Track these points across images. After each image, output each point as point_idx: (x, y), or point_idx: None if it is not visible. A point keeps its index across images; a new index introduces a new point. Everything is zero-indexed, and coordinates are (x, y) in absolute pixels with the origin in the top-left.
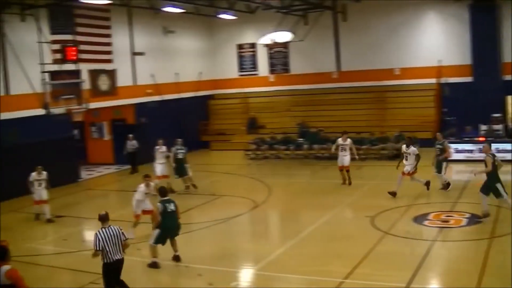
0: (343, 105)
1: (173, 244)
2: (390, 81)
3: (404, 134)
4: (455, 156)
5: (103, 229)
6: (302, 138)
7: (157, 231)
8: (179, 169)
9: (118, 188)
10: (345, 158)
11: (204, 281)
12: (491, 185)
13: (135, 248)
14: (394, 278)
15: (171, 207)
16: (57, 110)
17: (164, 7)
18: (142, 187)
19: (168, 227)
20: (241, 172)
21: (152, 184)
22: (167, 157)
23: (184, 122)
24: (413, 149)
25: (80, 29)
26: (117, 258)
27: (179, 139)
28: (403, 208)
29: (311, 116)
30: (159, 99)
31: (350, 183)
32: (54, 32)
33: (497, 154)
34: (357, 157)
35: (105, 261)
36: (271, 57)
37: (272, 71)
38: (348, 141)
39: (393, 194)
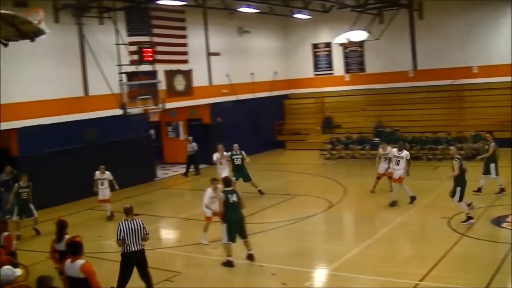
0: (419, 104)
1: (246, 243)
2: (468, 80)
3: (480, 134)
4: None
5: (126, 221)
6: (378, 138)
7: (224, 227)
8: (240, 175)
9: (193, 187)
10: (396, 172)
11: (278, 281)
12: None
13: (210, 247)
14: (471, 281)
15: (234, 198)
16: (134, 110)
17: (239, 7)
18: (209, 191)
19: (230, 218)
20: (316, 172)
21: (219, 187)
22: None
23: (259, 122)
24: (406, 153)
25: (156, 31)
26: (134, 249)
27: (236, 145)
28: (481, 210)
29: (386, 116)
30: (235, 99)
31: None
32: (131, 34)
33: None
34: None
35: (123, 250)
36: (346, 56)
37: (347, 70)
38: (388, 149)
39: (393, 204)
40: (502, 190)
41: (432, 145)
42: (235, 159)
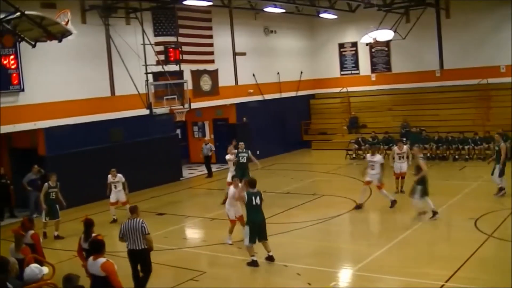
0: (446, 104)
1: (265, 245)
2: (495, 79)
3: (507, 133)
4: None
5: (129, 220)
6: (404, 138)
7: (246, 229)
8: (244, 173)
9: (219, 187)
10: (402, 166)
11: (303, 281)
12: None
13: (235, 247)
14: (497, 283)
15: (257, 200)
16: (160, 110)
17: (265, 7)
18: (230, 191)
19: (252, 220)
20: (342, 172)
21: (239, 185)
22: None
23: (285, 122)
24: (379, 157)
25: (182, 31)
26: (132, 248)
27: (242, 143)
28: (507, 211)
29: (413, 116)
30: (261, 98)
31: (402, 191)
32: (157, 34)
33: None
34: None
35: (127, 248)
36: (372, 56)
37: (373, 70)
38: (405, 148)
39: (359, 206)
40: (501, 189)
41: (458, 144)
42: (241, 157)
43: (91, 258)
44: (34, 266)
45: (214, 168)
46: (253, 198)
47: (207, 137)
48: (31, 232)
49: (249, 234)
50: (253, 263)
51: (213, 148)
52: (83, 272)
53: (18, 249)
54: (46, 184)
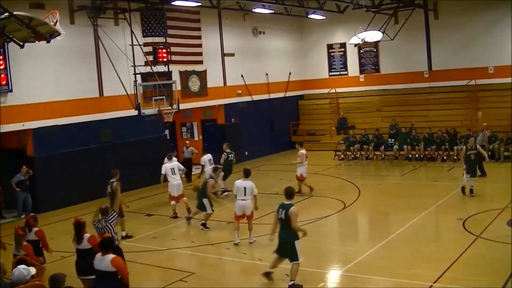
0: (435, 105)
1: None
2: (484, 80)
3: (497, 134)
4: None
5: (97, 221)
6: (393, 139)
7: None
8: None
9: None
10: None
11: None
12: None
13: (224, 248)
14: (485, 284)
15: (282, 214)
16: (149, 111)
17: (254, 8)
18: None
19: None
20: (331, 172)
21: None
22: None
23: (274, 123)
24: (301, 152)
25: (171, 32)
26: None
27: (227, 143)
28: (496, 211)
29: (402, 116)
30: (249, 99)
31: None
32: (146, 35)
33: None
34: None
35: None
36: (361, 56)
37: (362, 71)
38: (300, 152)
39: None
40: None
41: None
42: (230, 156)
43: (98, 255)
44: (22, 268)
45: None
46: (280, 210)
47: (196, 138)
48: (35, 229)
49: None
50: (266, 275)
51: (195, 151)
52: (71, 271)
53: (19, 248)
54: None
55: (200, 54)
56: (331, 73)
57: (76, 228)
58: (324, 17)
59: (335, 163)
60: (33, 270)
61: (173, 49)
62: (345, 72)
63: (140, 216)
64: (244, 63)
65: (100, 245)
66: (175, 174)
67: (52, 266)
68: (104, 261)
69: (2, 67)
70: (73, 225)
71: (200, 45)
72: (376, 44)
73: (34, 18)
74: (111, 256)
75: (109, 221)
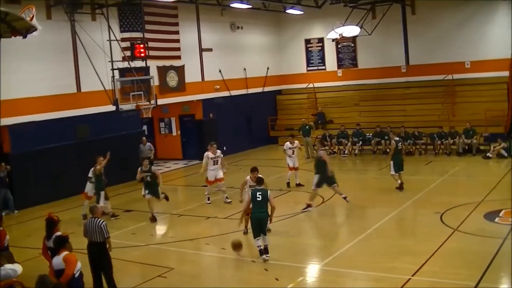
0: (412, 99)
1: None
2: (461, 75)
3: (475, 128)
4: None
5: (91, 219)
6: (370, 133)
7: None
8: None
9: (187, 183)
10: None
11: (271, 276)
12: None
13: (203, 243)
14: (463, 277)
15: (259, 197)
16: (127, 106)
17: (232, 3)
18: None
19: (254, 216)
20: (309, 167)
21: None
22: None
23: (252, 118)
24: (219, 152)
25: (148, 27)
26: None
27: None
28: (473, 205)
29: (379, 111)
30: (227, 94)
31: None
32: (123, 30)
33: None
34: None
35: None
36: (339, 51)
37: (340, 65)
38: (296, 143)
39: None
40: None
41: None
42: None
43: (56, 255)
44: (9, 268)
45: (181, 164)
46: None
47: (174, 133)
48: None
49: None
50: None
51: (153, 148)
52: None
53: None
54: None
55: (178, 49)
56: (309, 68)
57: (47, 224)
58: (302, 12)
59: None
60: (19, 269)
61: (150, 44)
62: (323, 67)
63: (119, 212)
64: (222, 58)
65: (54, 245)
66: None
67: (29, 263)
68: (58, 260)
69: None
70: (45, 221)
71: (178, 40)
72: (353, 39)
73: (9, 13)
74: (64, 253)
75: (102, 223)
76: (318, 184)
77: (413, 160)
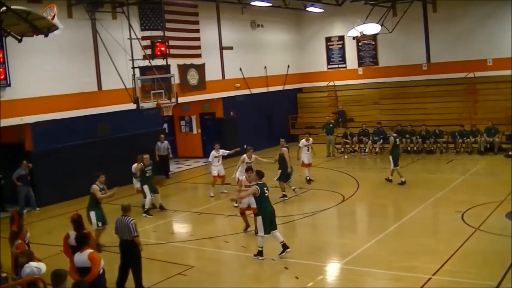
0: (433, 97)
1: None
2: (482, 72)
3: (497, 127)
4: None
5: (121, 217)
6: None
7: (259, 220)
8: None
9: (207, 181)
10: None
11: (291, 275)
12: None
13: (222, 242)
14: (484, 276)
15: (267, 192)
16: (147, 104)
17: (252, 1)
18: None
19: (266, 211)
20: (330, 165)
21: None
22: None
23: (272, 116)
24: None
25: (169, 25)
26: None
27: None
28: (494, 204)
29: (400, 109)
30: (248, 93)
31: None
32: (144, 28)
33: None
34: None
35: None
36: (359, 49)
37: (360, 63)
38: (311, 141)
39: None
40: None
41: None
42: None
43: (78, 252)
44: (34, 266)
45: (201, 162)
46: (264, 189)
47: (195, 131)
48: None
49: (263, 225)
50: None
51: (169, 147)
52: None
53: (12, 245)
54: None
55: (199, 47)
56: (329, 66)
57: (79, 225)
58: (322, 10)
59: (334, 156)
60: (44, 267)
61: (171, 42)
62: (344, 65)
63: (140, 210)
64: (242, 56)
65: (77, 243)
66: None
67: (50, 260)
68: (82, 257)
69: (0, 61)
70: (73, 222)
71: (198, 39)
72: (374, 36)
73: (31, 12)
74: (88, 251)
75: (130, 221)
76: (280, 178)
77: (434, 159)
